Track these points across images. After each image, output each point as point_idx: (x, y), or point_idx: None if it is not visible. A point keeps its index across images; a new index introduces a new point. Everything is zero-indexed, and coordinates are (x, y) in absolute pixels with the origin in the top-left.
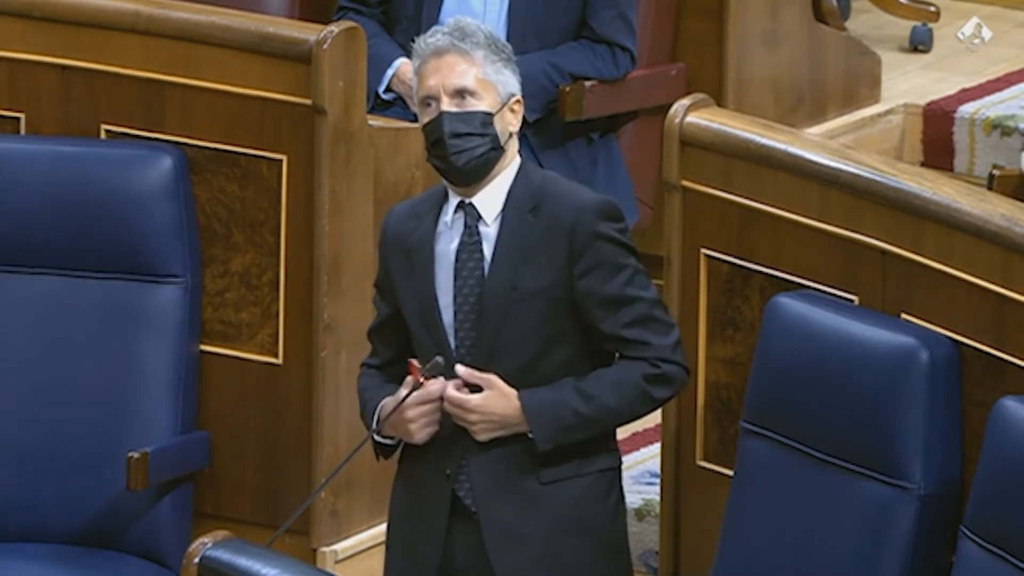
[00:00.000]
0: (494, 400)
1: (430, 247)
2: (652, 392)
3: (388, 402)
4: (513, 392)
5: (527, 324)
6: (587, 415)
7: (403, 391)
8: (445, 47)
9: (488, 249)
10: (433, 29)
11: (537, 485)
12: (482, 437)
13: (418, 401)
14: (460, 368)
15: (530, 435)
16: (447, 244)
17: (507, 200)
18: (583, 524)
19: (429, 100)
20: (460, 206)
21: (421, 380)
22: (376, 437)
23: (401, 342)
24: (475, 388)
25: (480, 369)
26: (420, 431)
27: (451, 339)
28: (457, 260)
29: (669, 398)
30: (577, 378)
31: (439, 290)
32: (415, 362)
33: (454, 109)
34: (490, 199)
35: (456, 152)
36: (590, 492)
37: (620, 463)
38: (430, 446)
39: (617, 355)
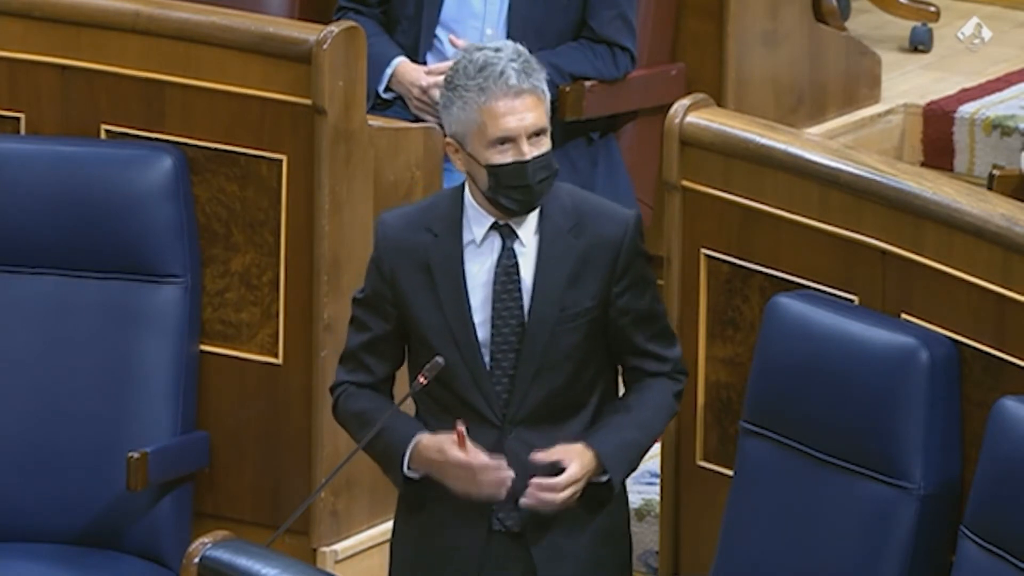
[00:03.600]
0: (581, 461)
1: (458, 264)
2: (676, 407)
3: (428, 441)
4: (580, 445)
5: (571, 343)
6: (645, 445)
7: (460, 452)
8: (521, 87)
9: (527, 269)
10: (490, 54)
11: (577, 502)
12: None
13: (488, 467)
14: (535, 455)
15: (603, 479)
16: (479, 262)
17: (541, 220)
18: (616, 531)
19: (505, 140)
20: (494, 226)
21: (422, 380)
22: (406, 472)
23: (398, 358)
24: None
25: (522, 391)
26: (483, 493)
27: (486, 357)
28: (496, 281)
29: None
30: (627, 410)
31: (472, 308)
32: (462, 427)
33: (534, 153)
34: (526, 220)
35: (540, 196)
36: (617, 501)
37: None
38: None
39: (622, 367)
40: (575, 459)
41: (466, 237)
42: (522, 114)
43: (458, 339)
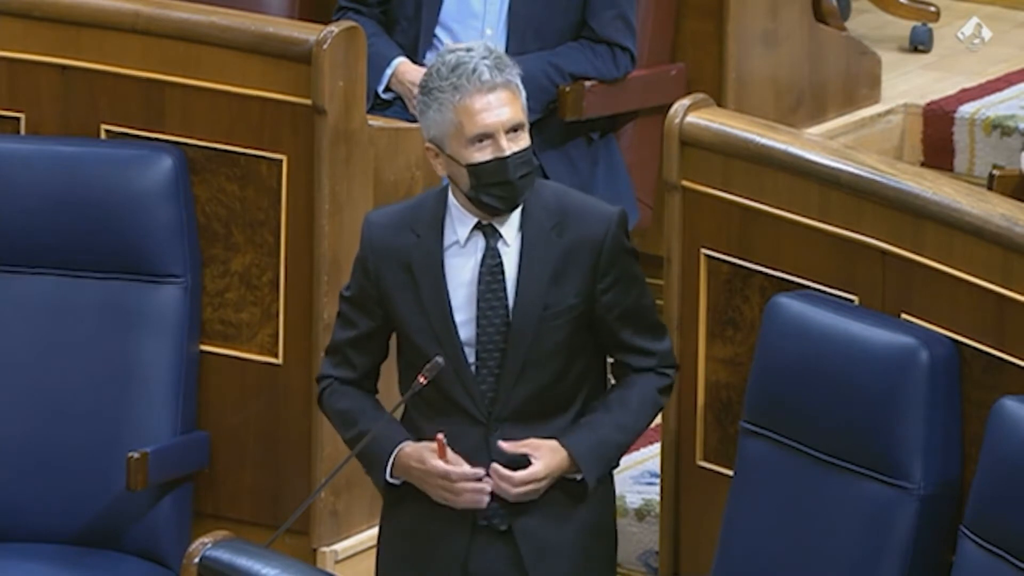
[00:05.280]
0: (547, 460)
1: (439, 263)
2: (662, 402)
3: (410, 449)
4: (554, 443)
5: (555, 341)
6: (624, 444)
7: (439, 462)
8: (495, 82)
9: (510, 268)
10: (462, 54)
11: (563, 496)
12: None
13: (467, 478)
14: (502, 443)
15: (578, 477)
16: (462, 262)
17: (523, 218)
18: (604, 527)
19: (483, 137)
20: (478, 226)
21: (422, 380)
22: (388, 479)
23: (380, 354)
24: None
25: (507, 389)
26: (463, 502)
27: (470, 356)
28: (480, 280)
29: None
30: (607, 409)
31: (455, 308)
32: (442, 437)
33: (514, 148)
34: (509, 219)
35: (522, 193)
36: (604, 495)
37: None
38: None
39: (611, 359)
40: (543, 457)
41: (449, 238)
42: (498, 109)
43: (441, 338)
